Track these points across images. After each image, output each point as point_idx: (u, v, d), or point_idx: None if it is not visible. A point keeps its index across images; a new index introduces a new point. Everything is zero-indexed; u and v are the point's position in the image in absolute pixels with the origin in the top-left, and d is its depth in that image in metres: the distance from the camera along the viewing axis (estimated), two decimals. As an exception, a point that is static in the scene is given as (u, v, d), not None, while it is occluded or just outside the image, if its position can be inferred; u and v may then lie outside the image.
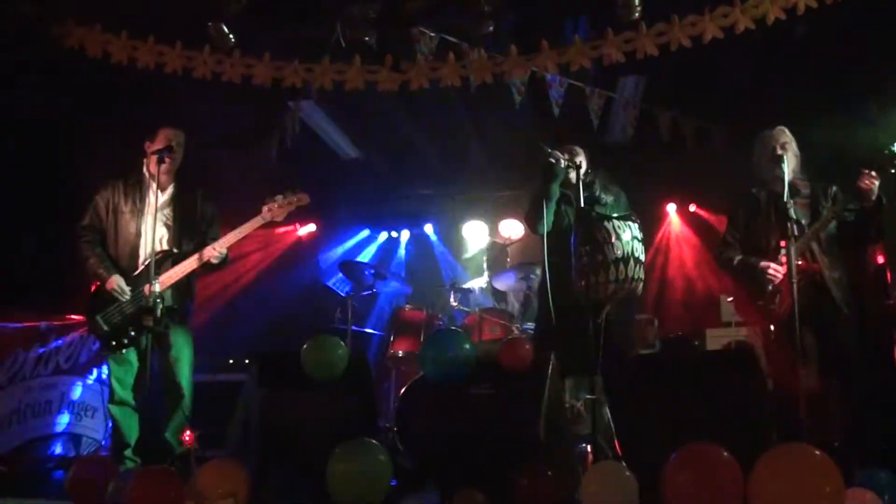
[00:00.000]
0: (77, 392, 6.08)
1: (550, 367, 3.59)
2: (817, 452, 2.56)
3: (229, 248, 4.83)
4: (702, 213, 8.13)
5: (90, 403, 6.16)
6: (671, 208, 8.28)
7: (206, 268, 4.83)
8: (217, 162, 6.50)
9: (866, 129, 5.87)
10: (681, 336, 7.06)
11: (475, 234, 8.38)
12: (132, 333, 4.64)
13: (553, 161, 4.44)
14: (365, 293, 6.87)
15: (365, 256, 8.77)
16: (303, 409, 3.82)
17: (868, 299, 5.53)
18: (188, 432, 3.82)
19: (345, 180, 8.18)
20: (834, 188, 4.65)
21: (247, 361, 7.42)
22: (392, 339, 6.35)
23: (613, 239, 4.16)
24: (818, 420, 4.37)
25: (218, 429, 4.54)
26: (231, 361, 7.34)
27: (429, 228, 8.78)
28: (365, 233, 8.89)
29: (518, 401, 3.45)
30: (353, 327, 6.75)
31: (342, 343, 3.83)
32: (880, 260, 5.97)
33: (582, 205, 4.27)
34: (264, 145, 6.92)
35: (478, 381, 3.56)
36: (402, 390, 5.60)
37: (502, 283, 6.89)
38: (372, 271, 6.69)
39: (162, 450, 4.68)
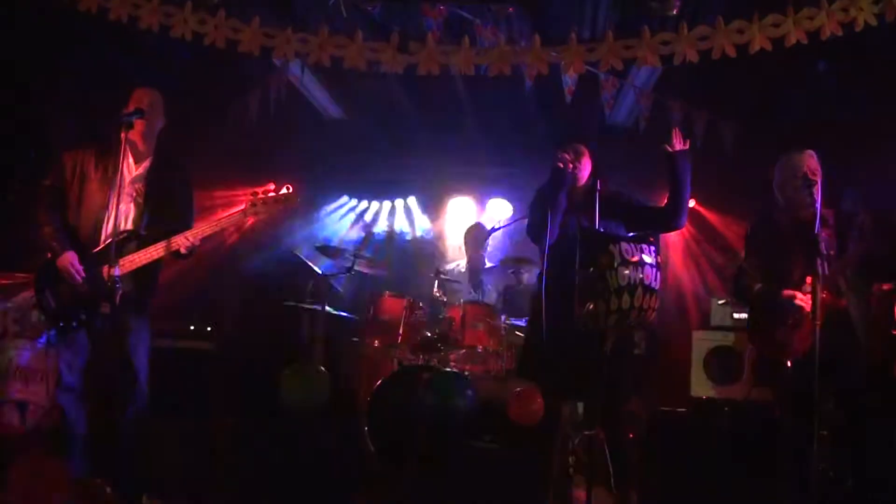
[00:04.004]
0: (25, 357, 5.62)
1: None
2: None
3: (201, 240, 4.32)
4: (701, 209, 7.77)
5: (38, 368, 5.75)
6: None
7: (174, 255, 4.33)
8: (190, 120, 5.98)
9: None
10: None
11: (461, 211, 7.98)
12: (83, 316, 4.19)
13: (561, 166, 4.02)
14: (342, 274, 6.44)
15: (343, 225, 8.28)
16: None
17: (874, 327, 5.35)
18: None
19: (327, 143, 7.70)
20: (860, 216, 4.34)
21: (209, 329, 7.08)
22: (368, 327, 5.95)
23: (619, 264, 3.80)
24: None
25: (178, 397, 4.24)
26: (192, 328, 7.00)
27: (412, 201, 8.31)
28: (343, 199, 8.37)
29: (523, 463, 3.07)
30: (327, 308, 6.34)
31: (323, 371, 3.43)
32: (886, 287, 5.75)
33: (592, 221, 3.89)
34: (244, 103, 6.45)
35: (479, 430, 3.17)
36: (375, 387, 5.31)
37: (488, 274, 6.55)
38: (352, 254, 6.25)
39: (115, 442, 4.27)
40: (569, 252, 3.84)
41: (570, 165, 4.08)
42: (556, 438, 3.30)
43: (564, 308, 3.74)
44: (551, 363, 3.83)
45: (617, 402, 3.94)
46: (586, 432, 3.76)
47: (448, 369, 5.06)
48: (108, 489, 4.04)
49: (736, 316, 6.80)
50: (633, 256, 3.71)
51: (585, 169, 4.29)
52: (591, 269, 3.59)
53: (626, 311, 3.74)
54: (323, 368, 3.44)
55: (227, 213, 4.34)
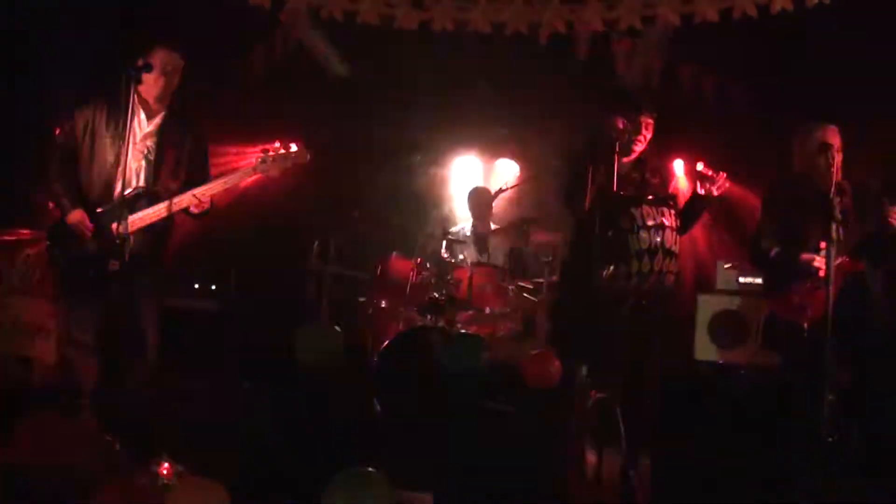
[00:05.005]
0: (30, 313, 5.56)
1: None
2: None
3: (214, 198, 4.24)
4: (708, 173, 7.67)
5: (44, 325, 5.71)
6: (678, 164, 7.81)
7: (188, 215, 4.27)
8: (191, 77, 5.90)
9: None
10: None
11: (467, 171, 7.89)
12: (92, 274, 4.13)
13: (614, 136, 3.85)
14: (348, 235, 6.40)
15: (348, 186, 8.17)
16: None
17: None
18: (166, 465, 3.37)
19: (332, 100, 7.56)
20: (875, 193, 4.40)
21: (213, 287, 7.06)
22: (378, 287, 5.91)
23: (639, 227, 3.77)
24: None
25: (184, 357, 4.20)
26: (196, 287, 6.99)
27: (418, 161, 8.19)
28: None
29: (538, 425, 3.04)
30: (335, 268, 6.31)
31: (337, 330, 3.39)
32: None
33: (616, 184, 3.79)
34: (248, 60, 6.36)
35: (492, 392, 3.14)
36: (383, 347, 5.29)
37: (494, 236, 6.50)
38: (357, 213, 6.19)
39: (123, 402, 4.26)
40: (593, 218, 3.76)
41: (625, 136, 3.91)
42: (571, 401, 3.28)
43: (587, 272, 3.71)
44: (575, 326, 3.80)
45: (640, 367, 3.92)
46: (599, 395, 3.76)
47: (462, 331, 5.03)
48: (117, 446, 4.04)
49: (742, 280, 6.76)
50: (652, 220, 3.68)
51: (640, 143, 4.11)
52: (611, 231, 3.55)
53: (645, 275, 3.73)
54: (337, 327, 3.40)
55: (237, 171, 4.26)
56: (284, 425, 3.48)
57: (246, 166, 4.28)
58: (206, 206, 4.21)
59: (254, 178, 4.32)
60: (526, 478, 3.12)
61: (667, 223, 3.83)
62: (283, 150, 4.23)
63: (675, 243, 3.87)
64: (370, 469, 2.90)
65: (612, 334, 3.73)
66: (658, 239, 3.76)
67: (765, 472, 3.82)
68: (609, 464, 3.73)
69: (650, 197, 3.91)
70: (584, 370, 3.83)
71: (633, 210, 3.78)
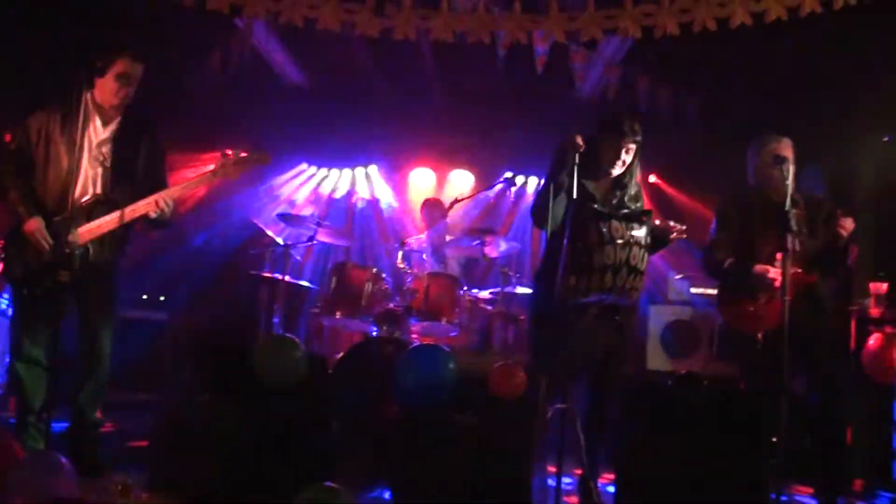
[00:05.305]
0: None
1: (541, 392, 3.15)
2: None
3: (174, 205, 4.12)
4: (661, 184, 7.80)
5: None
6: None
7: (151, 224, 4.15)
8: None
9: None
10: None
11: (422, 183, 7.88)
12: (47, 285, 3.98)
13: (569, 143, 3.79)
14: (304, 244, 6.31)
15: (301, 193, 8.11)
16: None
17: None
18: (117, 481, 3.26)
19: (286, 107, 7.48)
20: (828, 206, 4.45)
21: (162, 298, 6.91)
22: (333, 297, 5.84)
23: (607, 242, 3.77)
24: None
25: (131, 368, 4.07)
26: (145, 297, 6.83)
27: (373, 170, 8.16)
28: (303, 166, 8.18)
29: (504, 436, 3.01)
30: (288, 278, 6.22)
31: (298, 343, 3.32)
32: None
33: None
34: (203, 66, 6.25)
35: (459, 404, 3.11)
36: (339, 358, 5.22)
37: (449, 246, 6.48)
38: (315, 223, 6.11)
39: (75, 418, 4.13)
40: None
41: (580, 148, 3.86)
42: (535, 412, 3.26)
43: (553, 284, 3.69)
44: (539, 337, 3.79)
45: (603, 378, 3.92)
46: (558, 405, 3.75)
47: (428, 342, 4.99)
48: (67, 464, 3.90)
49: (693, 290, 6.85)
50: (620, 236, 3.68)
51: (619, 167, 4.01)
52: (579, 243, 3.55)
53: (608, 289, 3.73)
54: (299, 341, 3.33)
55: (195, 175, 4.17)
56: (243, 439, 3.38)
57: (205, 172, 4.17)
58: (166, 212, 4.10)
59: (214, 182, 4.22)
60: (489, 490, 3.08)
61: (635, 240, 3.82)
62: (243, 154, 4.15)
63: (643, 260, 3.88)
64: (332, 485, 2.84)
65: (573, 346, 3.71)
66: (624, 255, 3.76)
67: (722, 480, 3.83)
68: (570, 474, 3.73)
69: (623, 212, 3.91)
70: (545, 382, 3.81)
71: (601, 224, 3.77)
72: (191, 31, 5.55)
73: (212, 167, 4.15)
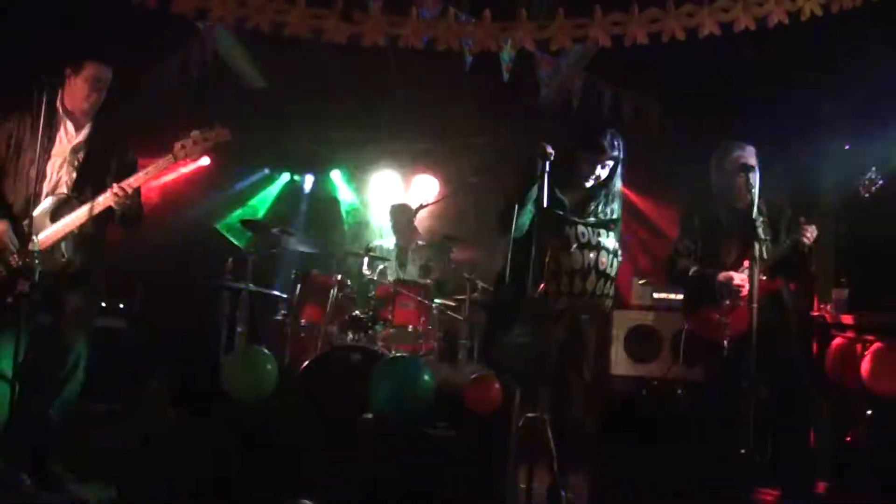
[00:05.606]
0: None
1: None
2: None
3: (138, 197, 4.06)
4: (626, 191, 7.82)
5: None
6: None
7: (121, 221, 4.10)
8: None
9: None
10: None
11: (386, 186, 7.83)
12: (13, 293, 3.84)
13: (539, 152, 3.75)
14: (266, 252, 6.23)
15: (263, 200, 8.00)
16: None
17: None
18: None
19: (247, 112, 7.36)
20: (789, 213, 4.52)
21: (121, 306, 6.75)
22: (298, 304, 5.77)
23: (574, 248, 3.77)
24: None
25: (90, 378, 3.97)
26: (104, 305, 6.66)
27: (336, 175, 8.09)
28: (264, 172, 8.09)
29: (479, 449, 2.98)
30: (251, 286, 6.12)
31: (270, 356, 3.26)
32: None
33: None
34: (162, 70, 6.12)
35: (435, 418, 3.07)
36: (304, 366, 5.15)
37: (416, 253, 6.45)
38: (278, 230, 6.04)
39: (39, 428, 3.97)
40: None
41: (550, 157, 3.82)
42: (510, 423, 3.24)
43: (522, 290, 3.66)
44: (507, 347, 3.76)
45: (569, 387, 3.90)
46: (529, 415, 3.73)
47: (403, 353, 4.94)
48: (27, 480, 3.79)
49: (656, 296, 6.90)
50: (588, 241, 3.69)
51: (593, 180, 3.96)
52: (546, 247, 3.54)
53: (577, 294, 3.73)
54: (268, 351, 3.27)
55: (157, 163, 4.07)
56: (210, 452, 3.31)
57: (165, 158, 4.06)
58: (129, 202, 4.00)
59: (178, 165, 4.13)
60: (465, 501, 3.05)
61: (605, 245, 3.83)
62: (200, 133, 4.08)
63: (612, 266, 3.88)
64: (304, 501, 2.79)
65: (542, 352, 3.70)
66: (592, 259, 3.76)
67: (690, 486, 3.85)
68: (540, 484, 3.71)
69: (592, 219, 3.90)
70: (518, 390, 3.79)
71: (568, 230, 3.78)
72: (152, 33, 5.43)
73: (170, 155, 4.05)
